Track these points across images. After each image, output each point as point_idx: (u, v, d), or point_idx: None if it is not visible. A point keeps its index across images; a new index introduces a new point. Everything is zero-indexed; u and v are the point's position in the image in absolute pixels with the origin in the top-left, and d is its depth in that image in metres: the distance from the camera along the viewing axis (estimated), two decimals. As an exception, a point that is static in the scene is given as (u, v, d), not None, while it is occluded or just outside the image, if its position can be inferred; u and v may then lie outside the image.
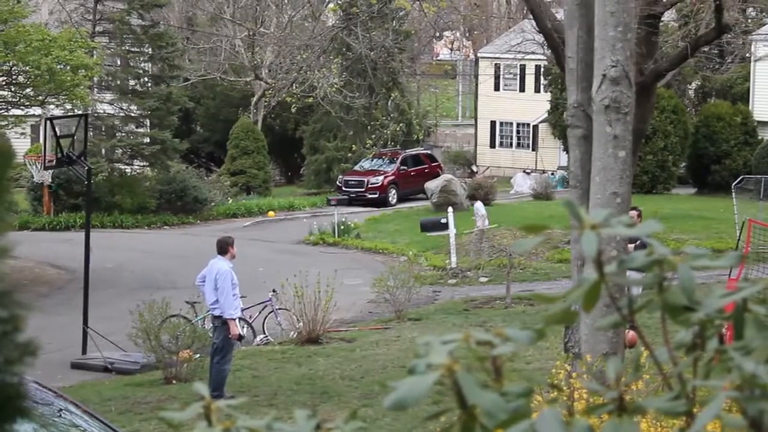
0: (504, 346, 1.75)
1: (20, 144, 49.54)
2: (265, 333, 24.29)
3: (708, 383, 1.70)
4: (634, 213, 18.56)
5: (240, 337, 19.20)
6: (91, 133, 39.42)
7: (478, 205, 36.52)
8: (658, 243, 1.84)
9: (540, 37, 26.09)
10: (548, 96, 56.67)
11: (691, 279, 1.78)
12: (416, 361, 1.74)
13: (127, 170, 45.70)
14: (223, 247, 18.19)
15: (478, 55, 66.92)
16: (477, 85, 65.51)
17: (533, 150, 61.67)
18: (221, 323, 18.01)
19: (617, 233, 1.79)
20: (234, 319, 18.13)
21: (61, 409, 9.45)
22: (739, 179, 40.15)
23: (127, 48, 45.40)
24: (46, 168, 30.73)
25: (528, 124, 61.87)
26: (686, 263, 1.79)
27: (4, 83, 33.87)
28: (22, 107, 35.06)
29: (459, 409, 1.69)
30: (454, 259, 32.96)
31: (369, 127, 55.62)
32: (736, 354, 1.66)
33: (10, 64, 32.81)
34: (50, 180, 41.68)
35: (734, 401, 1.66)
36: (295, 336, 23.58)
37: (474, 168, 62.31)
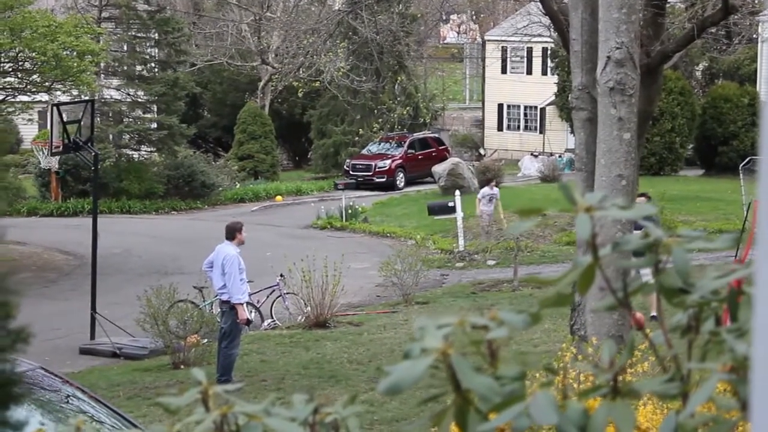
0: (499, 330, 1.75)
1: (27, 130, 49.67)
2: (272, 317, 24.31)
3: (702, 365, 1.70)
4: (642, 199, 18.27)
5: (248, 322, 19.22)
6: (98, 119, 39.39)
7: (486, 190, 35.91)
8: (653, 225, 1.83)
9: (546, 20, 26.04)
10: (555, 78, 56.53)
11: (685, 261, 1.78)
12: (411, 345, 1.73)
13: (134, 156, 45.71)
14: (232, 232, 18.19)
15: (485, 38, 66.79)
16: (484, 68, 65.39)
17: (541, 133, 61.57)
18: (229, 308, 18.03)
19: (612, 215, 1.78)
20: (242, 304, 18.14)
21: (68, 395, 9.47)
22: (746, 160, 40.01)
23: (134, 33, 45.35)
24: (53, 154, 30.72)
25: (535, 107, 61.76)
26: (681, 246, 1.78)
27: (10, 70, 33.89)
28: (28, 93, 35.10)
29: (454, 392, 1.69)
30: (461, 242, 32.93)
31: (376, 111, 55.52)
32: (729, 336, 1.65)
33: (17, 50, 32.81)
34: (58, 166, 41.71)
35: (728, 384, 1.65)
36: (302, 320, 23.60)
37: (481, 151, 62.25)
